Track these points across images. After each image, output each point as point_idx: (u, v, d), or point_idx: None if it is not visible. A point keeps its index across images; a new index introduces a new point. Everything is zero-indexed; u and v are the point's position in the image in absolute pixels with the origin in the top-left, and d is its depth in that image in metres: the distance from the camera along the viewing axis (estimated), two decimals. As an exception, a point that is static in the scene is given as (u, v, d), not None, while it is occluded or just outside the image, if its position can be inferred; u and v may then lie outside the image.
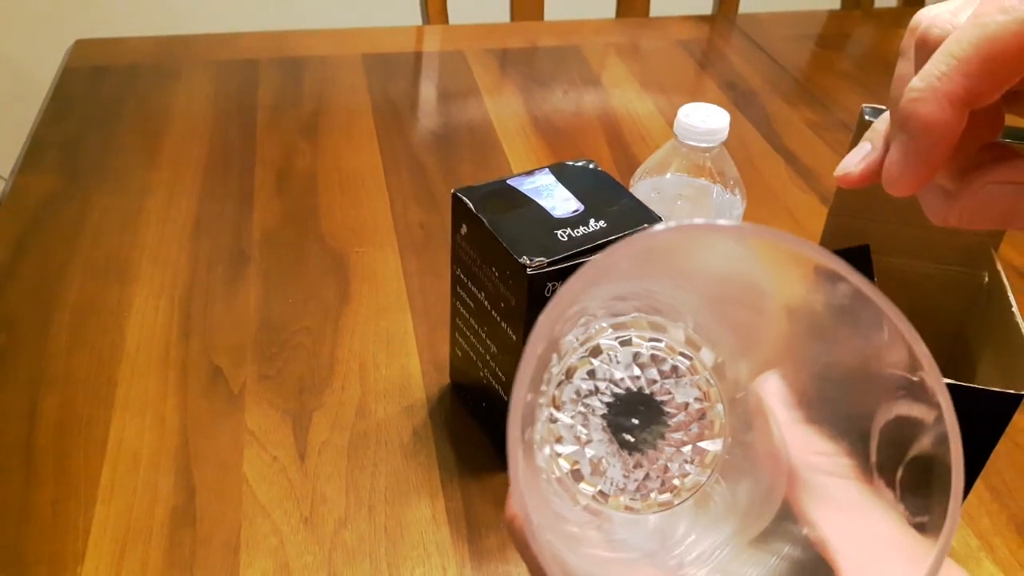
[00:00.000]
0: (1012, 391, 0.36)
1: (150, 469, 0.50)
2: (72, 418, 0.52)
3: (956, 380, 0.35)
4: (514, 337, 0.45)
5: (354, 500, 0.49)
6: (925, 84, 0.24)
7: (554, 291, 0.42)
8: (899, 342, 0.22)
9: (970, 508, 0.50)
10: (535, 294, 0.42)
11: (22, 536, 0.46)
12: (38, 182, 0.73)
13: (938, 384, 0.21)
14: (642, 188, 0.58)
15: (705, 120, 0.54)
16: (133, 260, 0.65)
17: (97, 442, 0.51)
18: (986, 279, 0.45)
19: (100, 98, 0.85)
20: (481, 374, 0.50)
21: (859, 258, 0.44)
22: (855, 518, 0.25)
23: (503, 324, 0.46)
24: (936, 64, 0.24)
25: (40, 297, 0.61)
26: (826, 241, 0.46)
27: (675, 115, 0.55)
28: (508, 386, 0.47)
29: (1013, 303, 0.40)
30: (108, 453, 0.50)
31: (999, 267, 0.43)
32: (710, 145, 0.55)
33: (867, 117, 0.41)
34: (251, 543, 0.46)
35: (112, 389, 0.54)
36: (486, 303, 0.47)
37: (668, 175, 0.57)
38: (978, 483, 0.47)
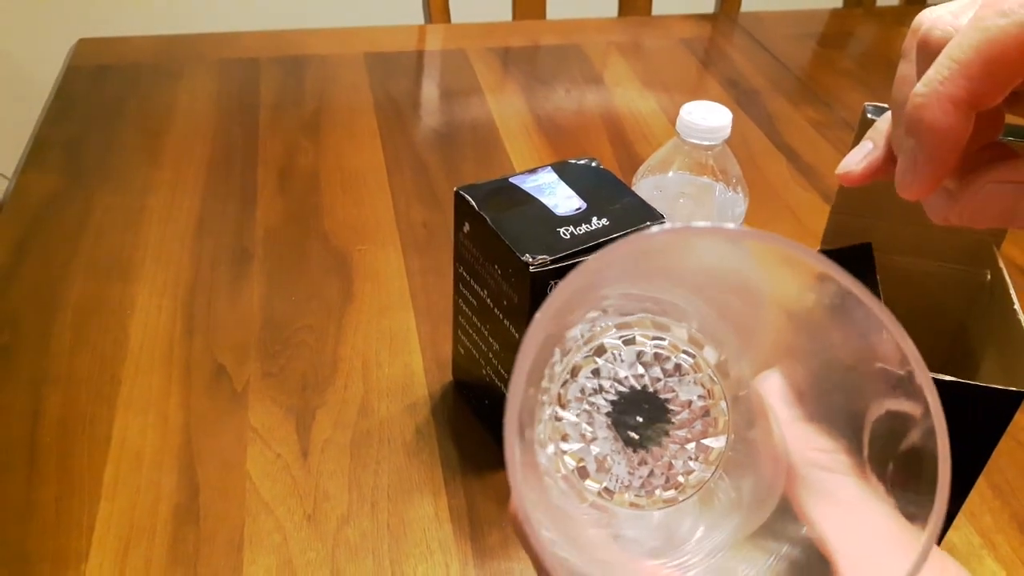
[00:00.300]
0: (1014, 389, 0.36)
1: (153, 467, 0.50)
2: (75, 416, 0.53)
3: (958, 378, 0.35)
4: (516, 335, 0.45)
5: (357, 497, 0.49)
6: (928, 89, 0.24)
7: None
8: (888, 339, 0.22)
9: (972, 506, 0.51)
10: (538, 292, 0.42)
11: (26, 534, 0.46)
12: (41, 181, 0.73)
13: (925, 378, 0.22)
14: (644, 186, 0.58)
15: (707, 118, 0.54)
16: (136, 259, 0.65)
17: (100, 440, 0.51)
18: (988, 277, 0.45)
19: (103, 97, 0.85)
20: (484, 372, 0.50)
21: (861, 256, 0.44)
22: (853, 514, 0.26)
23: (506, 322, 0.46)
24: (938, 69, 0.24)
25: (43, 296, 0.61)
26: (828, 239, 0.46)
27: (677, 113, 0.55)
28: (511, 384, 0.47)
29: (1015, 301, 0.40)
30: (111, 451, 0.51)
31: (1001, 265, 0.43)
32: (712, 143, 0.55)
33: (869, 116, 0.41)
34: (254, 540, 0.46)
35: (115, 387, 0.55)
36: (489, 301, 0.47)
37: (670, 173, 0.57)
38: (980, 481, 0.47)
